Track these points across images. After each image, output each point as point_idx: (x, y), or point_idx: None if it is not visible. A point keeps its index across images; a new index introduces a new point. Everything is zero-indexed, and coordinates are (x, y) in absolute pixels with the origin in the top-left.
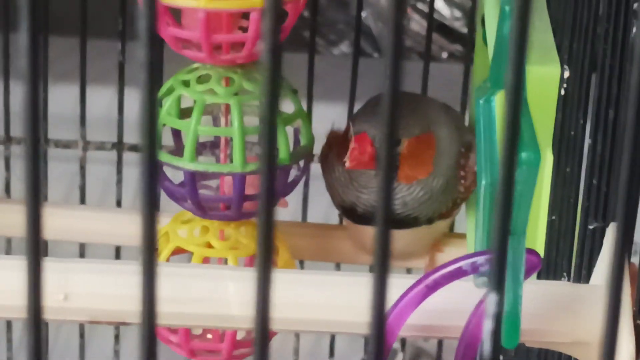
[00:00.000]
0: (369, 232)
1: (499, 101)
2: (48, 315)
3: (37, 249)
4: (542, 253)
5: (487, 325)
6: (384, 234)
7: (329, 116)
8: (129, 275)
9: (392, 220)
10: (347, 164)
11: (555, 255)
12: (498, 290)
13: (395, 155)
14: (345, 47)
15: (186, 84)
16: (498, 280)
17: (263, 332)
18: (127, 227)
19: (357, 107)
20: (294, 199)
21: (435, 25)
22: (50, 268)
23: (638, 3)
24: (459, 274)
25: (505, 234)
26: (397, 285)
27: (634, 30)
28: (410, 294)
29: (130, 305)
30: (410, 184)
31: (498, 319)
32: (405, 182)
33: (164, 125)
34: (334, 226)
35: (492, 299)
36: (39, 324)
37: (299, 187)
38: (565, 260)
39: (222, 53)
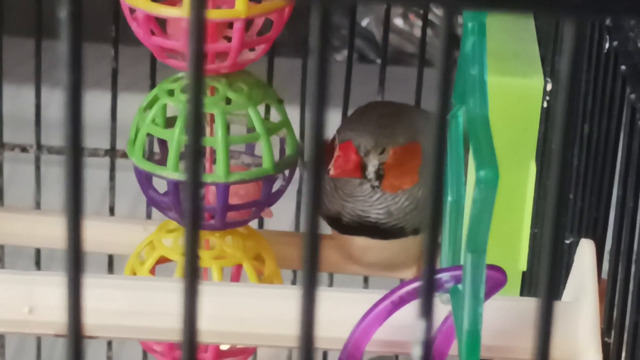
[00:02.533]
0: (354, 242)
1: (464, 117)
2: (12, 328)
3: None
4: (525, 266)
5: (416, 352)
6: (312, 247)
7: (332, 122)
8: (95, 288)
9: (378, 230)
10: (331, 172)
11: (537, 268)
12: (426, 316)
13: (380, 164)
14: None
15: (171, 93)
16: (426, 306)
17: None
18: (119, 235)
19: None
20: (289, 207)
21: (436, 31)
22: (14, 280)
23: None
24: None
25: (433, 261)
26: (363, 300)
27: (607, 45)
28: (376, 309)
29: (97, 319)
30: (395, 193)
31: (427, 346)
32: (390, 192)
33: (148, 134)
34: (323, 235)
35: (420, 325)
36: None
37: (293, 195)
38: None
39: (207, 62)
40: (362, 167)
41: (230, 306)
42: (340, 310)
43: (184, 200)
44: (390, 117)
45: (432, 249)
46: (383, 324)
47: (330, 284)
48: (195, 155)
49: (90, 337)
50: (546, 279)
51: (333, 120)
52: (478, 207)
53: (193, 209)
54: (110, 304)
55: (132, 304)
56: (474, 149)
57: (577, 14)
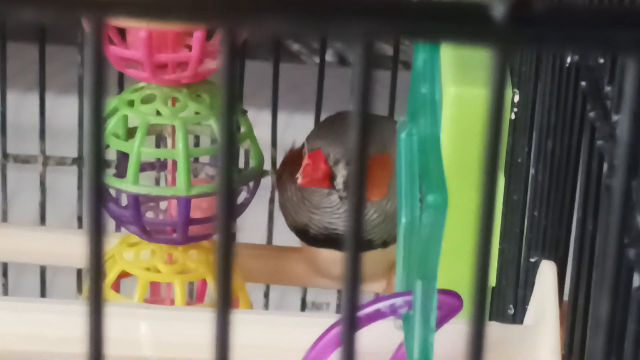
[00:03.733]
0: (321, 255)
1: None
2: None
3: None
4: (494, 281)
5: None
6: (225, 274)
7: (305, 127)
8: (26, 312)
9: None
10: (299, 181)
11: (505, 285)
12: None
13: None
14: (329, 56)
15: (131, 103)
16: (348, 351)
17: None
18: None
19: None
20: (261, 216)
21: None
22: None
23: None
24: (377, 315)
25: (355, 294)
26: (316, 325)
27: (568, 59)
28: (329, 334)
29: (31, 346)
30: None
31: None
32: None
33: (108, 146)
34: (289, 248)
35: None
36: None
37: (265, 204)
38: (511, 291)
39: (168, 72)
40: (330, 177)
41: (180, 331)
42: (293, 335)
43: (88, 208)
44: None
45: (354, 284)
46: (337, 350)
47: (304, 297)
48: (97, 162)
49: None
50: (474, 311)
51: (306, 125)
52: (427, 233)
53: (95, 218)
54: (50, 330)
55: (72, 330)
56: (423, 172)
57: (500, 45)
